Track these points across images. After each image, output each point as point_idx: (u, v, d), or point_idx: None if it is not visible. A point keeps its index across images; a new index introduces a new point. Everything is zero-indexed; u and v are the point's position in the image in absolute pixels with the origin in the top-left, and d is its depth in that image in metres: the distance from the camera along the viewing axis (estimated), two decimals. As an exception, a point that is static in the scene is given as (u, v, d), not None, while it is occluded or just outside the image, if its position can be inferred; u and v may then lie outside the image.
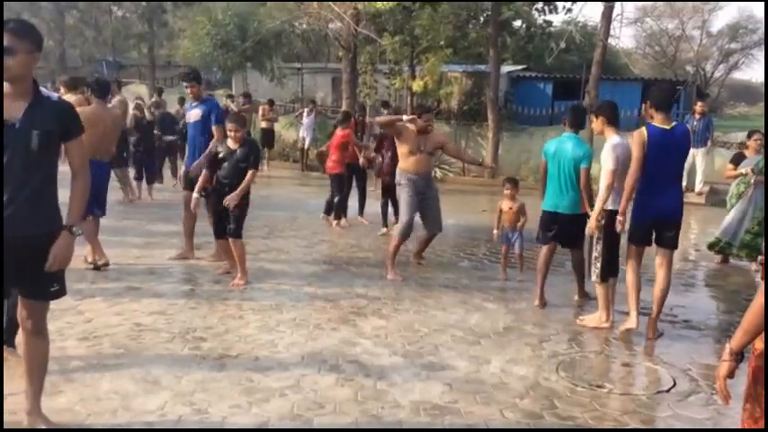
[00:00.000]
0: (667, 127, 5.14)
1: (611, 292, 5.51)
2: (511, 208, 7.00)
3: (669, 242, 5.26)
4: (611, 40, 16.25)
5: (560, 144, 5.89)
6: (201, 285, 6.29)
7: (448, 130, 17.78)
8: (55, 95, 3.26)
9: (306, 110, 16.43)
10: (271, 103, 16.60)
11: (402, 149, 7.02)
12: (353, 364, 4.53)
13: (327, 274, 6.93)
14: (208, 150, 6.53)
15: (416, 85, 16.50)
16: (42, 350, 3.36)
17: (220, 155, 6.25)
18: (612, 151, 5.29)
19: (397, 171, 7.15)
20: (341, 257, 7.72)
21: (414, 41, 16.73)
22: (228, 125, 6.22)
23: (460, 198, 13.47)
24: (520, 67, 21.01)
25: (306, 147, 16.29)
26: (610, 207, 5.32)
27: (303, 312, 5.60)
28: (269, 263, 7.27)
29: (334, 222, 9.45)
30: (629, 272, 5.38)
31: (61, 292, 3.29)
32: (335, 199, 9.48)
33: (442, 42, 16.66)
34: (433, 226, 7.32)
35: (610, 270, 5.46)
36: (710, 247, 8.16)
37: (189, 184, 6.85)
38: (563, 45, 17.36)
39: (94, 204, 6.34)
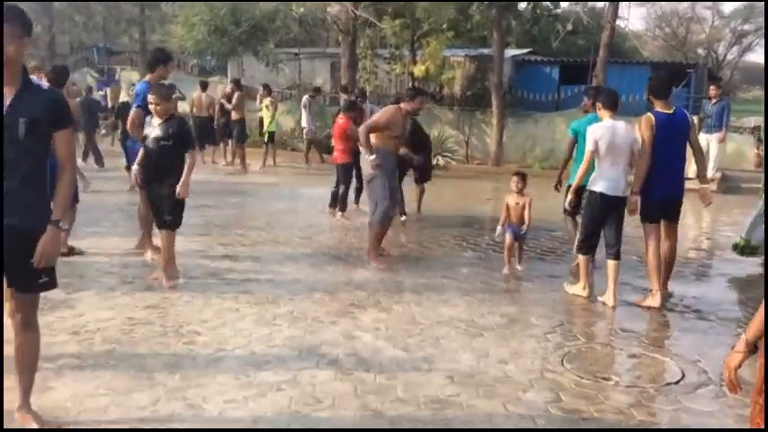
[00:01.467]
0: (669, 111, 5.85)
1: (590, 264, 6.16)
2: (518, 203, 6.84)
3: (675, 216, 6.05)
4: (619, 22, 16.20)
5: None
6: (196, 278, 6.30)
7: (451, 116, 17.77)
8: (45, 84, 3.26)
9: (306, 96, 16.18)
10: (267, 89, 16.39)
11: (388, 134, 7.02)
12: (353, 357, 4.54)
13: (326, 266, 6.94)
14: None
15: (418, 70, 16.48)
16: (33, 344, 3.37)
17: (146, 133, 5.92)
18: (592, 133, 5.88)
19: (374, 148, 6.97)
20: (340, 248, 7.73)
21: (415, 25, 16.69)
22: (149, 97, 5.83)
23: (463, 186, 13.47)
24: (525, 51, 20.94)
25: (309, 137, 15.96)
26: (594, 188, 5.93)
27: (301, 305, 5.61)
28: (266, 254, 7.29)
29: (339, 214, 9.42)
30: (649, 251, 5.95)
31: (51, 285, 3.30)
32: (340, 190, 9.41)
33: (444, 26, 16.63)
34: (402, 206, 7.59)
35: (588, 244, 6.08)
36: (739, 249, 7.53)
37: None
38: (570, 27, 17.31)
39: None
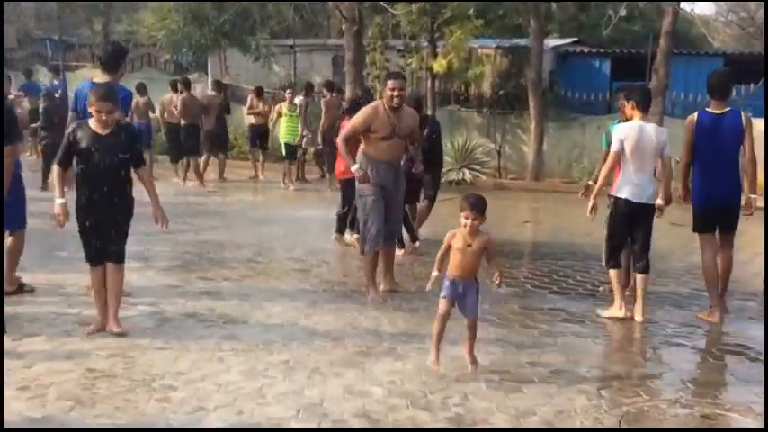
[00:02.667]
0: (718, 112, 6.56)
1: (621, 279, 6.73)
2: (469, 245, 5.29)
3: (727, 226, 6.67)
4: (684, 5, 16.26)
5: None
6: (170, 320, 6.33)
7: (479, 121, 17.83)
8: None
9: (298, 99, 16.29)
10: (259, 91, 16.64)
11: (373, 136, 7.12)
12: (362, 418, 4.53)
13: (328, 305, 6.94)
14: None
15: (438, 65, 16.57)
16: None
17: (80, 144, 5.68)
18: (617, 133, 6.54)
19: (358, 156, 7.20)
20: (345, 283, 7.74)
21: (435, 10, 16.80)
22: (92, 99, 5.69)
23: (495, 206, 13.45)
24: (569, 41, 21.02)
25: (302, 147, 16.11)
26: (617, 194, 6.57)
27: (298, 353, 5.60)
28: (256, 291, 7.31)
29: (352, 237, 9.39)
30: (703, 263, 6.71)
31: None
32: (353, 210, 9.39)
33: (470, 11, 16.72)
34: (398, 230, 7.58)
35: (617, 257, 6.73)
36: None
37: None
38: (623, 12, 17.42)
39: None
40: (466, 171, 15.79)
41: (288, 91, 15.74)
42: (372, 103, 7.46)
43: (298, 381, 5.08)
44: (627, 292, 6.92)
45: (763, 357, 5.84)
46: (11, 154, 3.37)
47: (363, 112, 7.25)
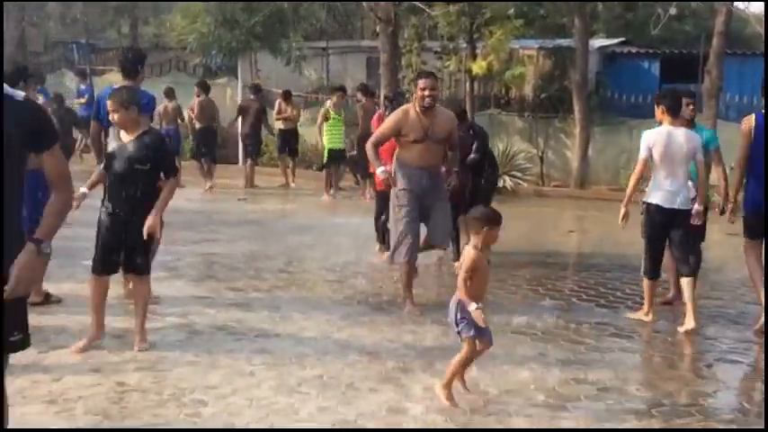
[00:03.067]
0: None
1: (653, 289, 6.99)
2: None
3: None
4: (737, 4, 16.09)
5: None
6: (200, 332, 6.39)
7: (520, 125, 17.77)
8: (20, 94, 3.36)
9: (330, 101, 16.34)
10: (287, 95, 16.76)
11: (405, 139, 7.14)
12: (399, 436, 4.54)
13: (363, 317, 6.96)
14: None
15: (477, 67, 16.54)
16: None
17: (107, 149, 5.89)
18: (645, 139, 6.73)
19: (393, 163, 7.25)
20: (381, 295, 7.76)
21: (474, 10, 16.80)
22: (108, 101, 5.82)
23: (538, 215, 13.42)
24: (616, 41, 20.89)
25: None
26: (649, 200, 6.78)
27: (332, 368, 5.63)
28: (287, 302, 7.35)
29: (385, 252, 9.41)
30: (749, 269, 6.83)
31: (23, 344, 3.36)
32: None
33: (511, 11, 16.69)
34: (436, 235, 7.37)
35: (652, 265, 6.90)
36: None
37: None
38: (674, 11, 17.25)
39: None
40: (507, 178, 15.71)
41: (338, 93, 15.37)
42: (403, 106, 7.51)
43: (332, 397, 5.10)
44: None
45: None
46: (58, 158, 3.42)
47: (393, 116, 7.30)
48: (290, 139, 16.39)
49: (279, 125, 16.42)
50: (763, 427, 4.75)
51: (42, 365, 5.47)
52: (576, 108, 16.50)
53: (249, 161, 16.13)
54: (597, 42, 19.53)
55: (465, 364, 5.05)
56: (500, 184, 15.64)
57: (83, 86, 21.25)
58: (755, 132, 6.56)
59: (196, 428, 4.26)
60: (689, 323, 6.57)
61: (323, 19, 23.80)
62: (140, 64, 7.18)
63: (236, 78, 20.62)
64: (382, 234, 9.42)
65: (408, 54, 18.23)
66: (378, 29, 18.39)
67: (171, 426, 4.59)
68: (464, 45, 17.37)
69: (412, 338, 6.39)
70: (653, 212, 6.77)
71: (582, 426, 4.76)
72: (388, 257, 7.71)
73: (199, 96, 15.63)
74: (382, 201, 9.39)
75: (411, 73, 18.15)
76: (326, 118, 14.79)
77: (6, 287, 3.13)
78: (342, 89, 15.80)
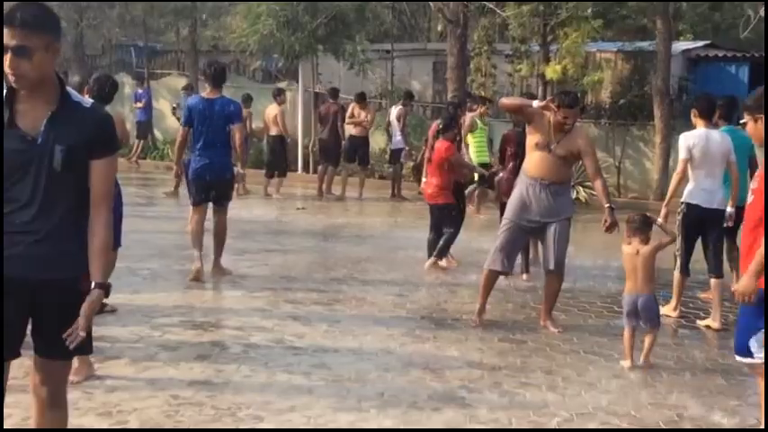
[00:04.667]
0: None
1: (684, 283, 7.57)
2: (638, 252, 6.26)
3: None
4: (835, 2, 15.71)
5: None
6: (257, 346, 6.47)
7: (597, 132, 17.60)
8: (88, 101, 3.47)
9: (395, 109, 16.38)
10: (361, 98, 16.53)
11: (530, 140, 7.17)
12: (463, 458, 4.54)
13: (426, 333, 6.97)
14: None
15: (551, 71, 16.44)
16: (59, 425, 3.55)
17: None
18: (684, 141, 7.32)
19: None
20: (445, 310, 7.76)
21: (548, 11, 16.72)
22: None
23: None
24: (701, 44, 20.56)
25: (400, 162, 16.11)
26: (689, 200, 7.34)
27: (394, 385, 5.66)
28: (347, 317, 7.41)
29: (443, 261, 9.45)
30: None
31: (87, 347, 3.48)
32: (446, 235, 9.38)
33: (588, 12, 16.57)
34: (548, 259, 7.14)
35: (685, 262, 7.43)
36: None
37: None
38: (763, 12, 16.87)
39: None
40: (580, 189, 15.56)
41: (485, 105, 13.71)
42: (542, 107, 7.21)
43: (393, 416, 5.12)
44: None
45: None
46: (110, 170, 3.50)
47: (532, 109, 7.17)
48: (360, 147, 16.17)
49: (350, 130, 16.36)
50: (762, 427, 4.66)
51: (96, 376, 5.61)
52: (657, 115, 16.28)
53: (330, 168, 16.06)
54: (681, 45, 19.24)
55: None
56: (573, 195, 15.56)
57: (140, 90, 21.69)
58: None
59: (212, 429, 4.31)
60: (713, 323, 7.22)
61: (388, 20, 23.91)
62: (225, 75, 8.62)
63: (297, 83, 20.83)
64: (442, 248, 9.45)
65: (477, 57, 18.23)
66: (446, 30, 18.41)
67: (226, 441, 4.67)
68: (537, 48, 17.29)
69: (477, 356, 6.38)
70: (693, 212, 7.34)
71: (659, 453, 4.71)
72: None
73: (281, 104, 15.92)
74: (440, 216, 9.41)
75: (480, 77, 18.16)
76: (472, 129, 12.98)
77: (78, 324, 3.26)
78: (487, 100, 14.70)
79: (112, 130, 3.46)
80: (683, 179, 7.39)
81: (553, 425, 5.05)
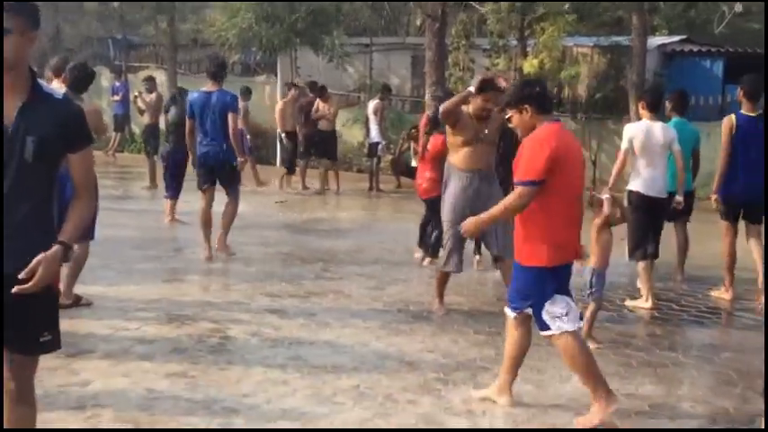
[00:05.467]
0: (753, 114, 7.76)
1: (649, 271, 7.68)
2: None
3: (756, 219, 7.89)
4: (808, -1, 15.81)
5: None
6: (233, 339, 6.45)
7: (573, 126, 17.65)
8: (60, 92, 3.45)
9: (372, 103, 16.34)
10: (322, 92, 16.25)
11: (454, 140, 7.15)
12: (438, 450, 4.55)
13: (402, 326, 6.98)
14: None
15: (529, 65, 16.48)
16: (26, 423, 3.51)
17: None
18: (625, 132, 7.79)
19: (445, 167, 7.30)
20: (422, 303, 7.76)
21: (526, 6, 16.75)
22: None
23: (588, 221, 13.27)
24: (676, 39, 20.64)
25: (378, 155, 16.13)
26: (631, 188, 7.71)
27: (369, 378, 5.66)
28: (323, 309, 7.40)
29: (426, 260, 9.39)
30: (723, 247, 8.03)
31: (53, 345, 3.44)
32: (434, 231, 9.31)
33: (565, 6, 16.61)
34: (499, 247, 7.14)
35: (640, 248, 7.67)
36: None
37: None
38: (739, 8, 17.00)
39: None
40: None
41: None
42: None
43: (368, 408, 5.12)
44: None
45: None
46: (88, 161, 3.50)
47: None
48: (327, 140, 15.87)
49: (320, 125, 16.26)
50: (763, 426, 4.70)
51: (70, 369, 5.57)
52: (632, 109, 16.33)
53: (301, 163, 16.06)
54: (656, 40, 19.31)
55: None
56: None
57: (117, 83, 21.55)
58: (737, 129, 7.73)
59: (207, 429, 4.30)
60: (644, 303, 7.71)
61: (366, 15, 23.86)
62: (225, 69, 9.48)
63: (276, 76, 20.76)
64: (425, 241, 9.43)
65: (455, 52, 18.21)
66: (424, 25, 18.41)
67: (201, 434, 4.65)
68: (514, 42, 17.32)
69: (453, 348, 6.39)
70: (635, 199, 7.70)
71: (631, 444, 4.73)
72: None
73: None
74: (431, 209, 9.38)
75: (458, 71, 18.16)
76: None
77: (27, 275, 3.18)
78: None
79: (85, 122, 3.44)
80: (623, 168, 7.81)
81: (527, 415, 5.06)
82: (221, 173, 9.29)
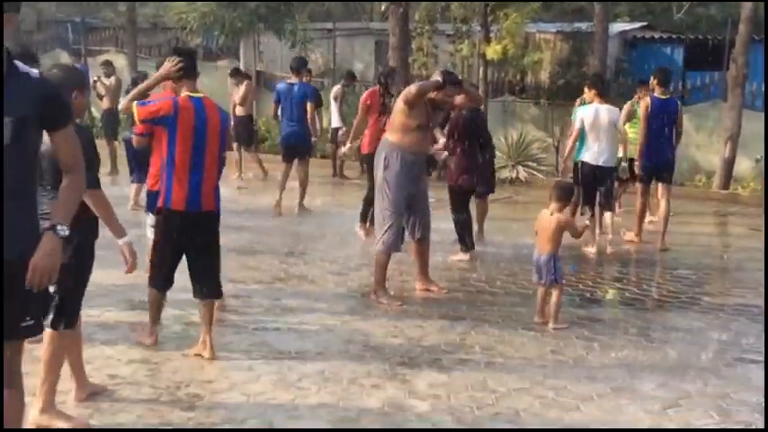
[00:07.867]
0: (664, 98, 9.87)
1: (593, 223, 9.25)
2: (552, 215, 6.78)
3: (666, 181, 9.97)
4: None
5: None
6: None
7: (535, 113, 17.76)
8: (35, 71, 3.39)
9: (335, 88, 16.31)
10: (233, 73, 16.03)
11: (408, 122, 7.20)
12: (403, 434, 4.57)
13: (368, 311, 6.99)
14: None
15: (492, 51, 16.49)
16: (16, 409, 3.47)
17: None
18: (578, 114, 9.76)
19: (385, 145, 7.34)
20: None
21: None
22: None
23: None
24: (637, 26, 20.82)
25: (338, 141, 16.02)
26: (581, 159, 9.45)
27: (334, 363, 5.66)
28: (288, 295, 7.39)
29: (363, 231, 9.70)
30: (638, 205, 10.02)
31: (36, 329, 3.42)
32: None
33: (529, -7, 16.65)
34: (424, 226, 7.53)
35: (586, 203, 9.55)
36: None
37: None
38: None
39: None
40: (520, 168, 15.69)
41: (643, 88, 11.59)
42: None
43: (333, 392, 5.13)
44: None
45: None
46: (72, 137, 3.48)
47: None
48: (242, 126, 15.33)
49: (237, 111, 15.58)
50: (763, 426, 4.78)
51: (32, 356, 5.46)
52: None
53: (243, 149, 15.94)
54: (618, 27, 19.46)
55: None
56: (513, 174, 15.69)
57: (77, 66, 21.21)
58: (651, 109, 9.67)
59: (188, 428, 4.28)
60: (591, 249, 9.34)
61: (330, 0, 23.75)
62: (306, 65, 12.25)
63: (238, 61, 20.62)
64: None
65: (419, 37, 18.19)
66: (388, 10, 18.36)
67: (164, 420, 4.62)
68: (478, 28, 17.33)
69: (417, 333, 6.41)
70: (584, 167, 9.42)
71: (594, 426, 4.78)
72: None
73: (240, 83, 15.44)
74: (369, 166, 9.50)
75: (422, 56, 18.15)
76: (630, 117, 10.87)
77: (27, 277, 3.19)
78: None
79: (63, 99, 3.43)
80: (575, 142, 9.49)
81: (491, 400, 5.09)
82: (300, 149, 11.48)
